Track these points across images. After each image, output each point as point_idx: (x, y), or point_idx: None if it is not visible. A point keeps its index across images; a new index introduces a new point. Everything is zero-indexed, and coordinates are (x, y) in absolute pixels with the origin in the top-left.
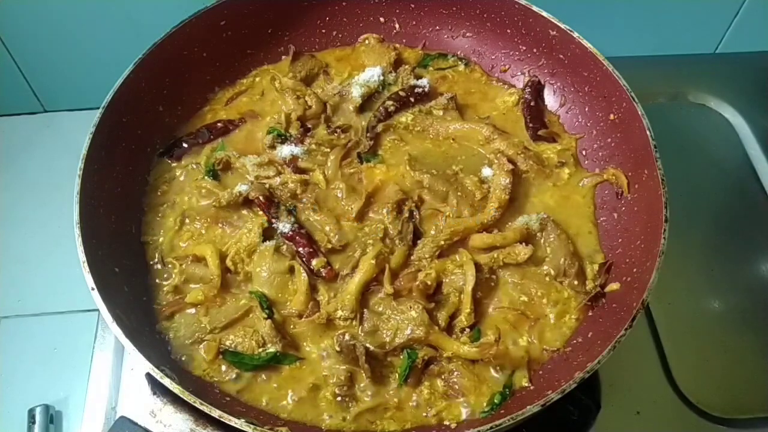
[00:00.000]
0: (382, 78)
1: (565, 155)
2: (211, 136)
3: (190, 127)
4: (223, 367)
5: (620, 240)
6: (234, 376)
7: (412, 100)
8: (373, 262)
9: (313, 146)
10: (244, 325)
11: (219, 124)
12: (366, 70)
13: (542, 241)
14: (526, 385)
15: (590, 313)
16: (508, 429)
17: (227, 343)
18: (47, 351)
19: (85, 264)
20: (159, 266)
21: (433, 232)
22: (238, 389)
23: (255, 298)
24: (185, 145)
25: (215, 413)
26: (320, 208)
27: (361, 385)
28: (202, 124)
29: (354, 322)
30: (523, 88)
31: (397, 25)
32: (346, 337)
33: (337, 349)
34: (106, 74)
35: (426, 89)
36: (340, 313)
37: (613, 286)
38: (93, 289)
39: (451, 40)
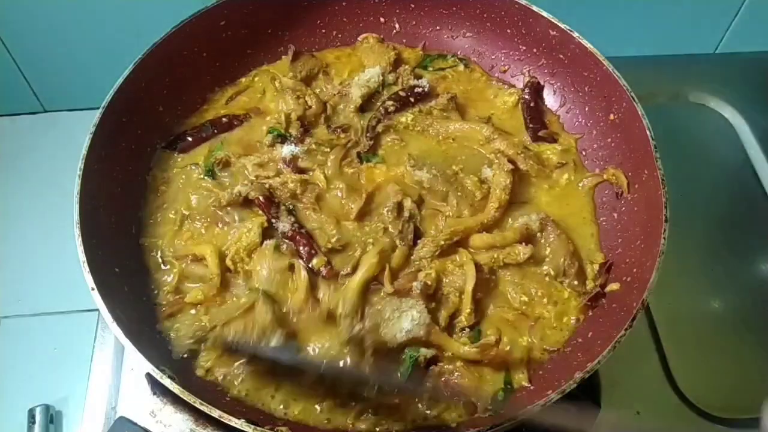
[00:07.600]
0: (382, 78)
1: (565, 155)
2: (215, 131)
3: (190, 126)
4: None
5: (620, 240)
6: (234, 375)
7: (412, 100)
8: (375, 260)
9: (313, 146)
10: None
11: (224, 119)
12: (366, 70)
13: (542, 241)
14: (526, 384)
15: (590, 313)
16: (508, 429)
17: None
18: (47, 351)
19: (85, 264)
20: (159, 266)
21: (433, 232)
22: (238, 389)
23: (256, 293)
24: (189, 138)
25: (215, 413)
26: (320, 207)
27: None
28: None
29: (355, 320)
30: (522, 89)
31: (397, 25)
32: (356, 328)
33: (345, 340)
34: (106, 74)
35: (426, 89)
36: (341, 310)
37: (613, 286)
38: (93, 289)
39: (451, 40)
